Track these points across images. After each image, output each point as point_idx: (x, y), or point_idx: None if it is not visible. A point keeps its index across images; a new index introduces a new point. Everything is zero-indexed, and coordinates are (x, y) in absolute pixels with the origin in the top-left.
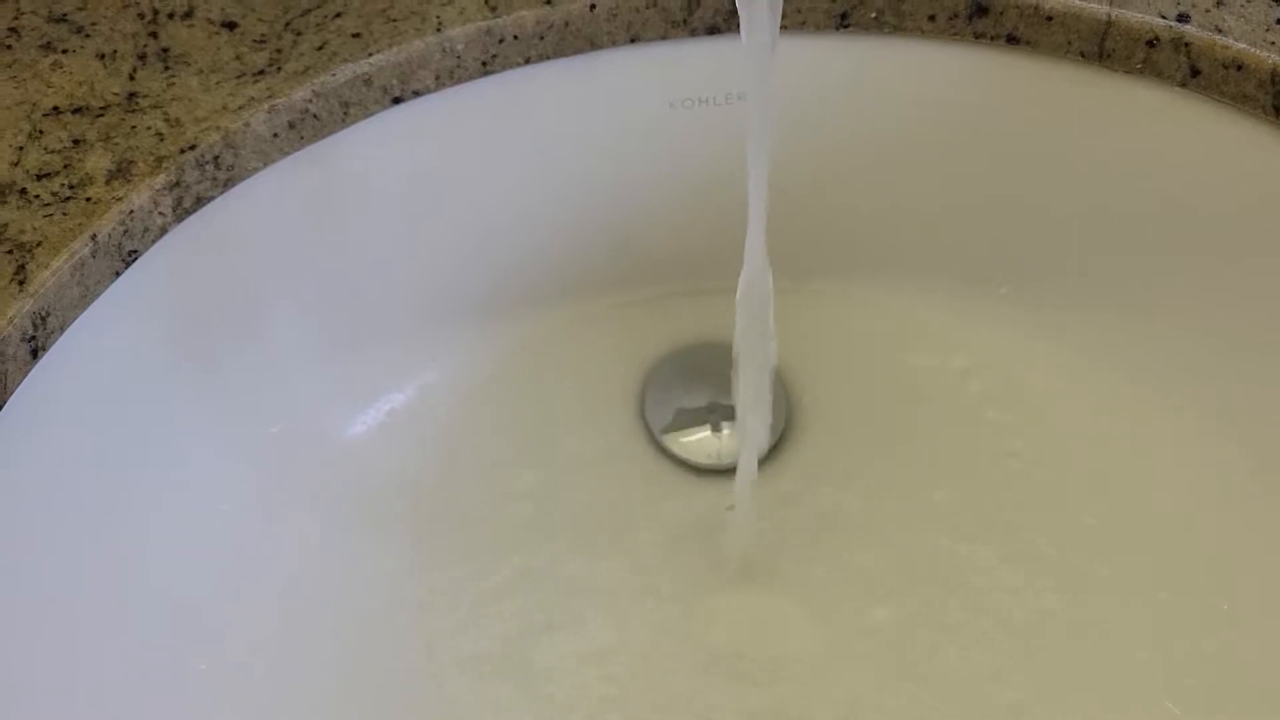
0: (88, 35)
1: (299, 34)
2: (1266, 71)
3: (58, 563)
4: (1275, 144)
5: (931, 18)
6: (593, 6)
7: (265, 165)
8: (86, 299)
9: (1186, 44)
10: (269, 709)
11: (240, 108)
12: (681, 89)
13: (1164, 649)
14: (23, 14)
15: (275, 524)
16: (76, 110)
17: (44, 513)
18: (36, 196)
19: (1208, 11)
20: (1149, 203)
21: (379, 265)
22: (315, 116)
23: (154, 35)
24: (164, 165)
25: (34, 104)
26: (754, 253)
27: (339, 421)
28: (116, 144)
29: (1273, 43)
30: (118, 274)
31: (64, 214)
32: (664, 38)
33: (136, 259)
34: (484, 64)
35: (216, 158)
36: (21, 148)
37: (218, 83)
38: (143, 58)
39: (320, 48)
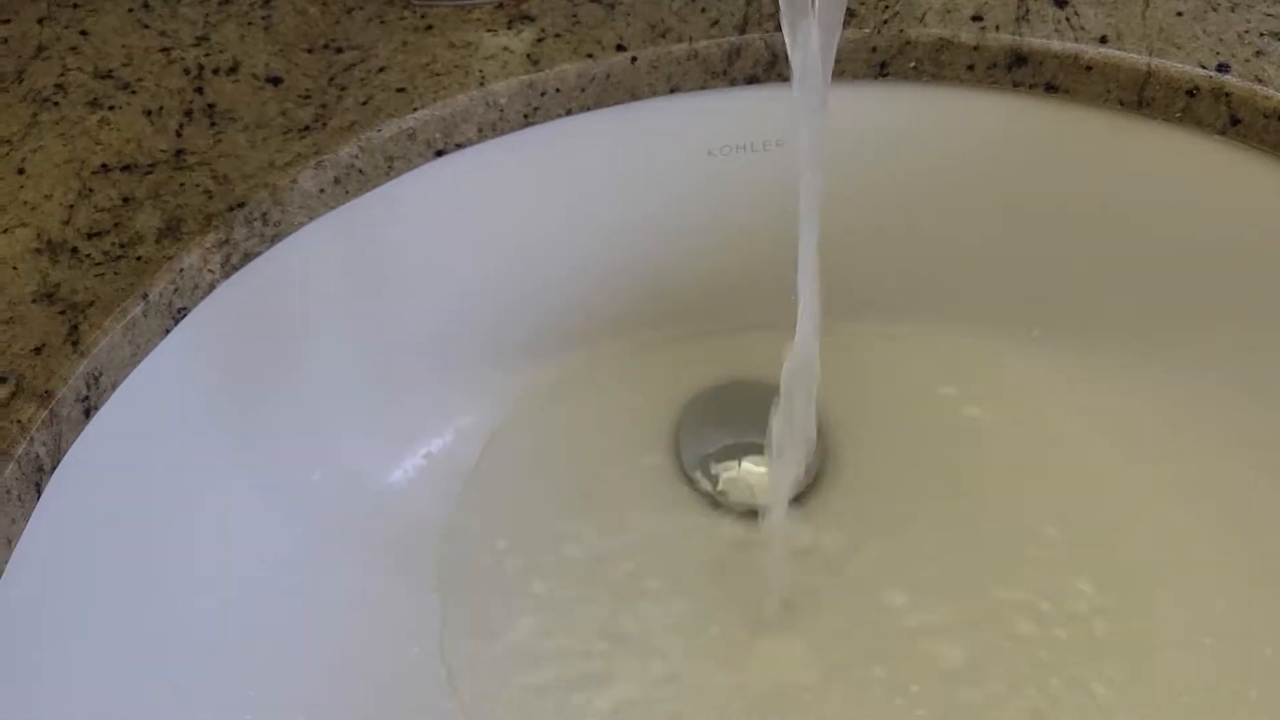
0: (134, 91)
1: (343, 89)
2: None
3: (106, 615)
4: None
5: (970, 67)
6: (634, 59)
7: (310, 219)
8: (137, 357)
9: (1227, 94)
10: None
11: (287, 164)
12: (720, 137)
13: (1211, 694)
14: (68, 70)
15: (317, 572)
16: (125, 168)
17: (94, 566)
18: (88, 256)
19: (1247, 61)
20: (1187, 250)
21: (419, 312)
22: (360, 171)
23: (200, 91)
24: (213, 223)
25: (83, 161)
26: (806, 328)
27: (378, 467)
28: (165, 202)
29: None
30: (167, 331)
31: (115, 273)
32: (704, 88)
33: (185, 315)
34: (525, 116)
35: (264, 214)
36: (72, 206)
37: (264, 139)
38: (189, 114)
39: (365, 102)
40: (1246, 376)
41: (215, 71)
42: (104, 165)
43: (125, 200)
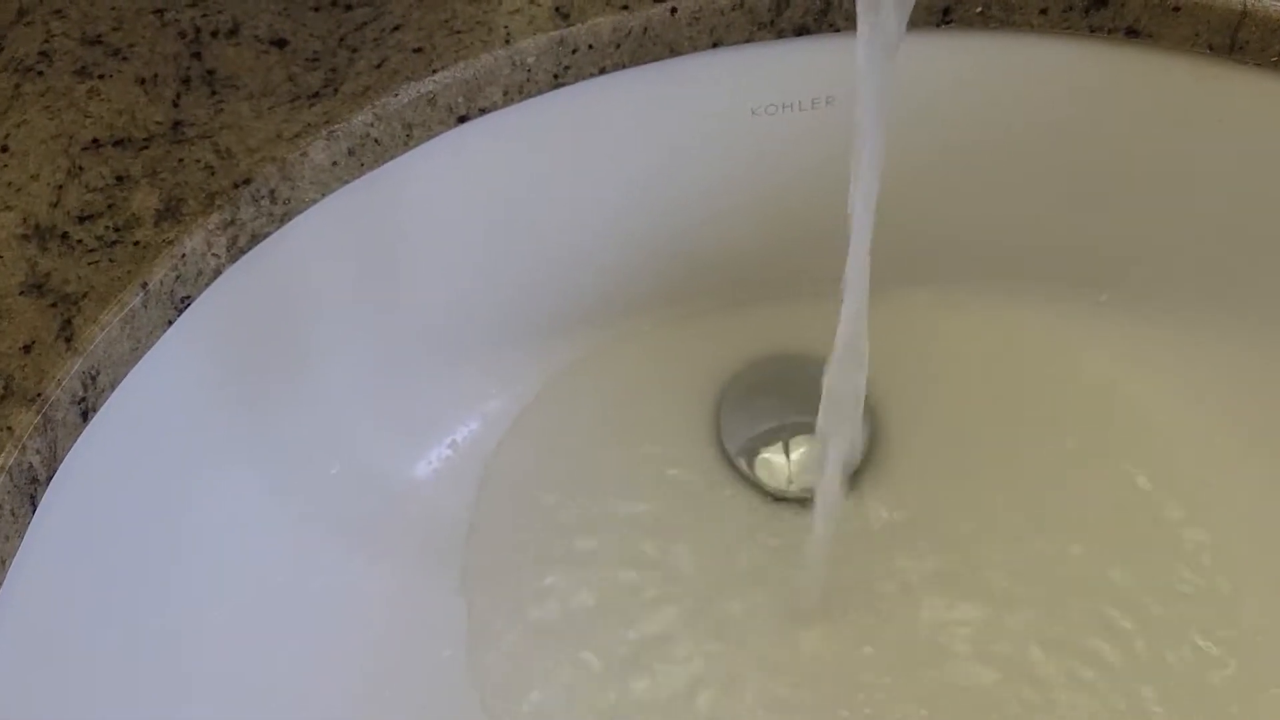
0: (125, 58)
1: (355, 50)
2: None
3: (114, 633)
4: None
5: (1043, 11)
6: (674, 10)
7: (323, 195)
8: (138, 352)
9: None
10: None
11: (296, 135)
12: (765, 95)
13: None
14: (53, 36)
15: (339, 573)
16: (118, 143)
17: (97, 583)
18: (80, 241)
19: None
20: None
21: (441, 292)
22: (376, 141)
23: (197, 56)
24: (216, 202)
25: (71, 137)
26: (853, 312)
27: (399, 459)
28: (164, 180)
29: None
30: (170, 322)
31: (111, 260)
32: (749, 40)
33: (189, 305)
34: (556, 76)
35: (273, 191)
36: (61, 186)
37: (270, 108)
38: (186, 82)
39: (379, 65)
40: None
41: (214, 34)
42: (95, 140)
43: (119, 179)
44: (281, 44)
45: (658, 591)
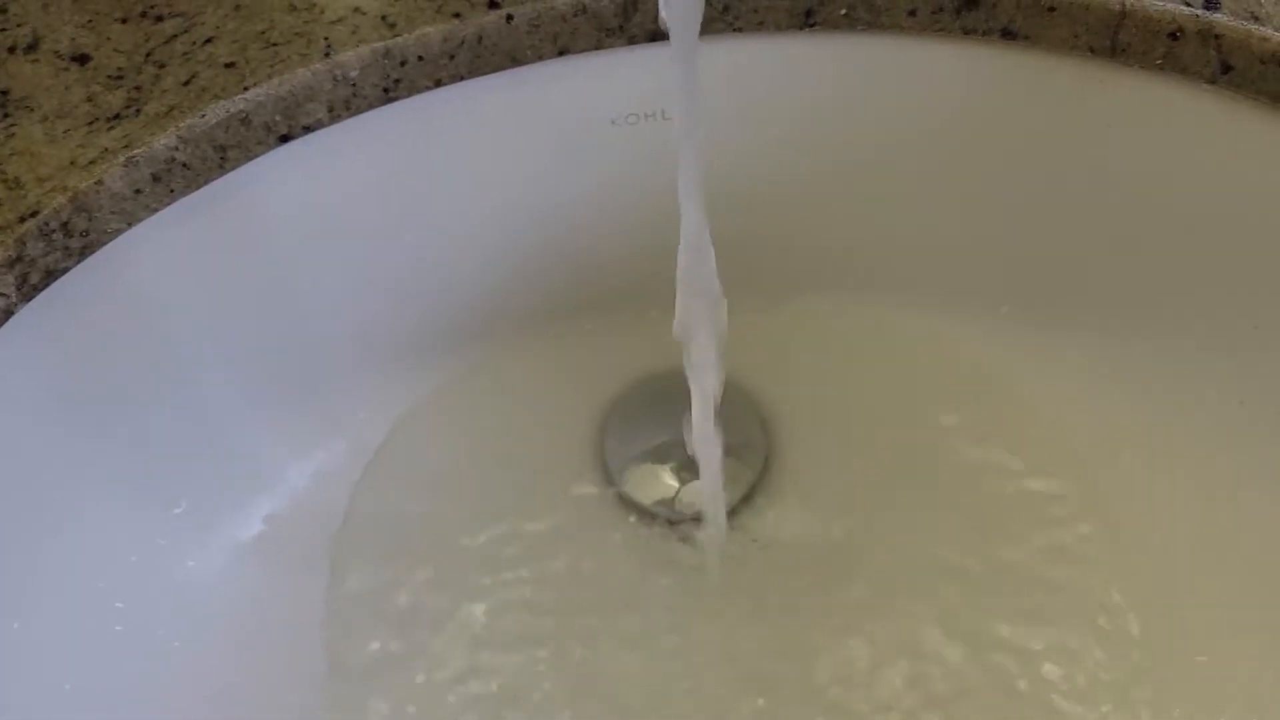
0: None
1: (162, 66)
2: None
3: None
4: None
5: (912, 13)
6: (509, 18)
7: (130, 225)
8: None
9: (1216, 35)
10: None
11: (91, 162)
12: (623, 104)
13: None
14: None
15: (194, 610)
16: None
17: None
18: None
19: None
20: (1171, 215)
21: (283, 320)
22: (185, 165)
23: None
24: (1, 239)
25: None
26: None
27: (256, 491)
28: None
29: None
30: None
31: None
32: (598, 48)
33: None
34: (386, 90)
35: (65, 224)
36: None
37: (65, 131)
38: None
39: (187, 82)
40: (1236, 350)
41: (11, 49)
42: None
43: None
44: (83, 60)
45: (528, 617)
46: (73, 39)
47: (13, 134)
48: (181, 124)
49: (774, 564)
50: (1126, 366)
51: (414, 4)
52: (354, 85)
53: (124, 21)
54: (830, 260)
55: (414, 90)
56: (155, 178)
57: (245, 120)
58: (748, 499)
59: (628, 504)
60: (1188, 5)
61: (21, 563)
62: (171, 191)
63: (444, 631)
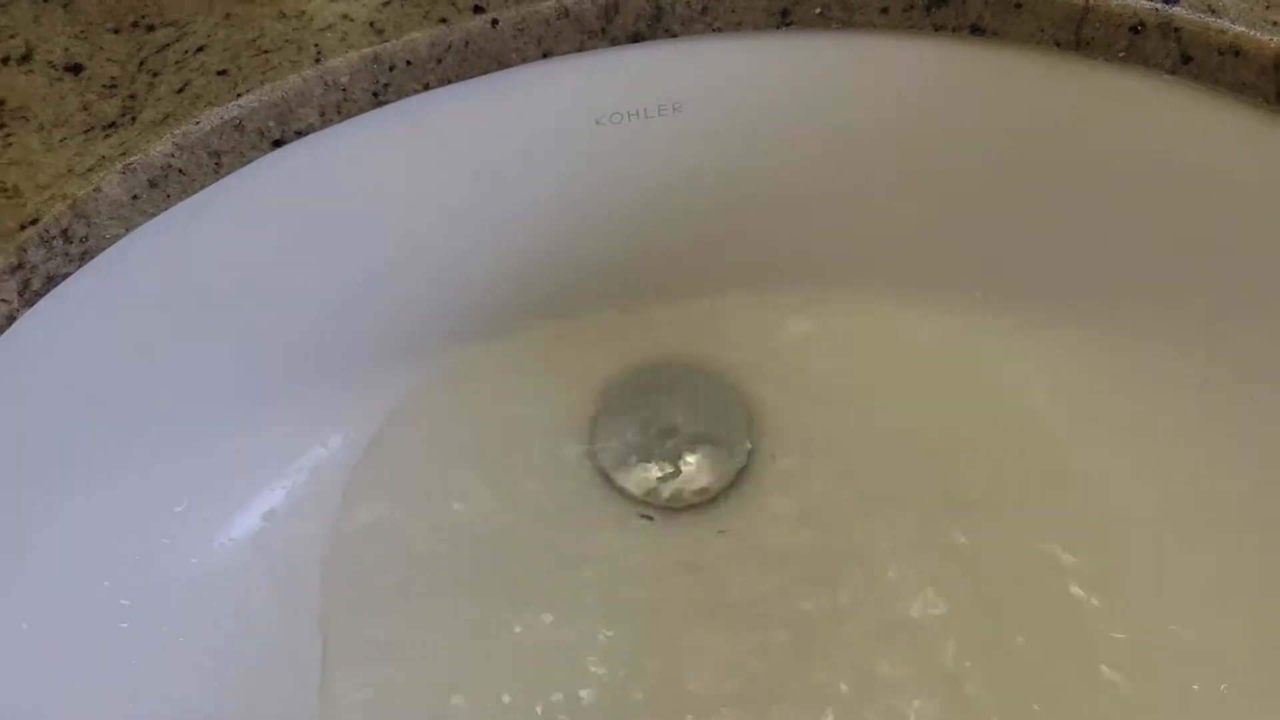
0: None
1: (155, 75)
2: (1268, 57)
3: None
4: (1278, 135)
5: (884, 10)
6: (494, 22)
7: (128, 230)
8: None
9: (1176, 29)
10: None
11: (89, 169)
12: (607, 103)
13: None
14: None
15: (187, 605)
16: None
17: None
18: None
19: None
20: (1135, 200)
21: (280, 319)
22: (181, 171)
23: None
24: (1, 246)
25: None
26: None
27: (253, 490)
28: None
29: (1274, 22)
30: None
31: None
32: (581, 49)
33: None
34: (375, 95)
35: (65, 231)
36: None
37: (62, 140)
38: None
39: (180, 90)
40: (1206, 331)
41: (5, 61)
42: None
43: None
44: (77, 69)
45: (537, 608)
46: (66, 49)
47: (10, 144)
48: (176, 131)
49: (750, 557)
50: (1101, 349)
51: (401, 10)
52: (344, 90)
53: (116, 31)
54: (811, 254)
55: (403, 94)
56: (152, 184)
57: (239, 126)
58: (732, 488)
59: (619, 492)
60: (1148, 0)
61: (27, 563)
62: (168, 197)
63: (440, 622)
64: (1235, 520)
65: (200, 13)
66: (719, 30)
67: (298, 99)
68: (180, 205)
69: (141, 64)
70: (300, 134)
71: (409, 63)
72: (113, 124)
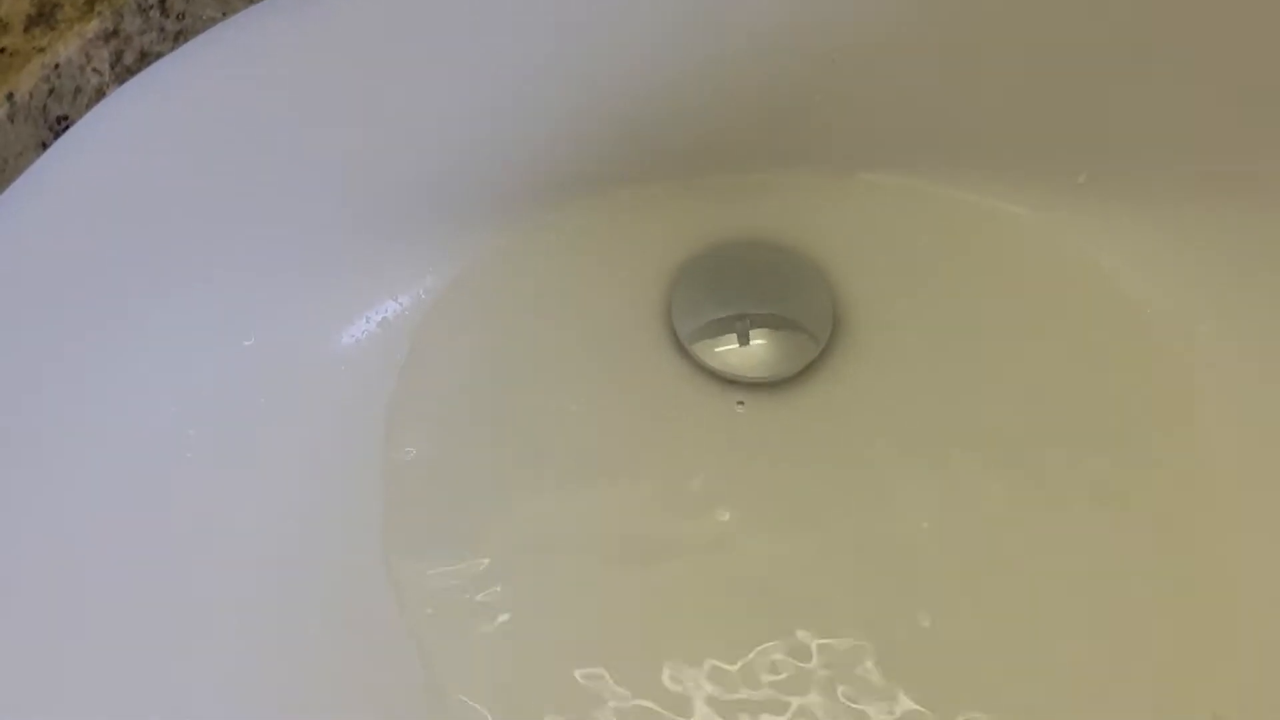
0: None
1: None
2: None
3: None
4: None
5: None
6: None
7: (225, 15)
8: (6, 175)
9: None
10: (241, 655)
11: None
12: None
13: None
14: None
15: (251, 441)
16: None
17: None
18: None
19: None
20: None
21: (373, 151)
22: None
23: None
24: (96, 9)
25: None
26: None
27: (322, 331)
28: None
29: None
30: (44, 145)
31: None
32: None
33: (68, 127)
34: None
35: (164, 3)
36: None
37: None
38: None
39: None
40: None
41: None
42: None
43: None
44: None
45: (607, 481)
46: None
47: None
48: None
49: (830, 429)
50: (1202, 234)
51: None
52: None
53: None
54: (908, 136)
55: None
56: None
57: None
58: (812, 368)
59: (694, 364)
60: None
61: (97, 380)
62: None
63: (503, 488)
64: None
65: None
66: None
67: None
68: None
69: None
70: None
71: None
72: None
